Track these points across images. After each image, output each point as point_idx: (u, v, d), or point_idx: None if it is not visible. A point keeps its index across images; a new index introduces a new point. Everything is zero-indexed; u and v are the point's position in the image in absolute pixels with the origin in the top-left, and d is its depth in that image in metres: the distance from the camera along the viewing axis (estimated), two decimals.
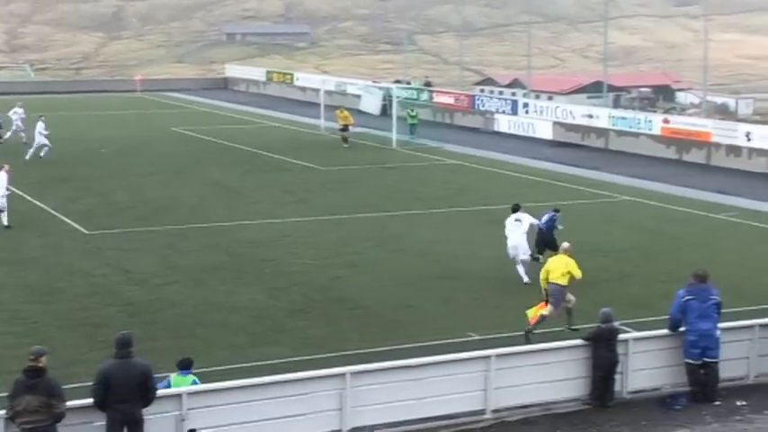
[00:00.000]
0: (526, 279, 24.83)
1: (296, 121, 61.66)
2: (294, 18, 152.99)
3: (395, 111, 53.11)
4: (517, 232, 25.41)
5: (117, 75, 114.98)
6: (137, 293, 24.01)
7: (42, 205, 34.59)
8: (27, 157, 43.73)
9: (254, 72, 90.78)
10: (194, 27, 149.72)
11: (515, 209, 26.06)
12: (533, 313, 20.89)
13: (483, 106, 61.13)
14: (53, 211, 33.52)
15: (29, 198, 35.78)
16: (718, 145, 46.54)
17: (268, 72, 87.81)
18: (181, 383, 15.07)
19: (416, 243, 29.53)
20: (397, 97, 56.38)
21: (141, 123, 59.99)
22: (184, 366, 15.47)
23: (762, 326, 18.14)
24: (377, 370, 15.80)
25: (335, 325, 21.75)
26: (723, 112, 66.68)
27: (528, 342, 19.25)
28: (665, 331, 17.49)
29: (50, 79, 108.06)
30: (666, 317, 17.61)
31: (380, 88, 67.22)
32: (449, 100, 64.33)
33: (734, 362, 17.76)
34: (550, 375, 16.66)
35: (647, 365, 17.33)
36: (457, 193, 37.95)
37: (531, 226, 25.85)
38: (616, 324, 17.19)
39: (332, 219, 32.99)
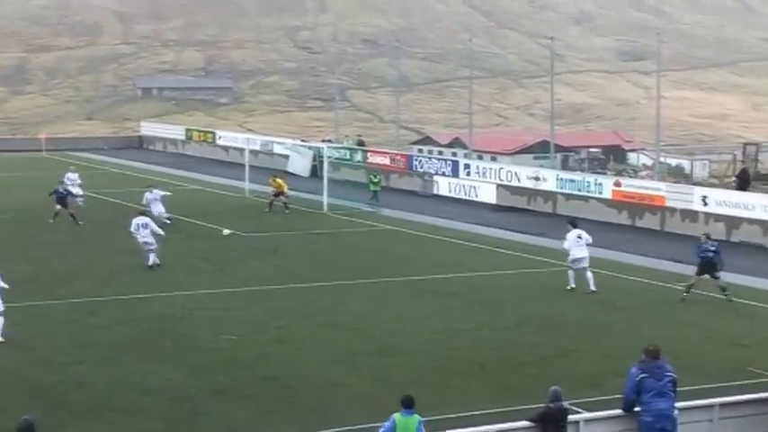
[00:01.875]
0: (593, 288, 31.95)
1: (218, 184, 61.58)
2: (215, 72, 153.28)
3: (326, 172, 53.27)
4: (582, 248, 32.31)
5: (19, 133, 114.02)
6: (40, 374, 23.64)
7: None
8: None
9: (172, 130, 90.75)
10: (106, 81, 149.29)
11: (575, 224, 33.29)
12: None
13: (421, 167, 61.55)
14: None
15: None
16: (672, 210, 47.29)
17: (187, 130, 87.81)
18: (406, 425, 15.71)
19: (348, 316, 29.49)
20: (329, 157, 56.58)
21: (46, 186, 59.40)
22: (408, 405, 15.77)
23: (722, 405, 18.32)
24: None
25: (260, 407, 21.58)
26: (677, 175, 67.67)
27: None
28: (619, 412, 17.59)
29: None
30: (620, 396, 17.73)
31: (310, 148, 67.46)
32: (384, 160, 64.67)
33: None
34: None
35: None
36: (392, 262, 38.03)
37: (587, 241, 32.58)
38: (566, 404, 17.26)
39: (256, 290, 32.85)
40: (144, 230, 36.37)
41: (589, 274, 32.29)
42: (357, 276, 35.21)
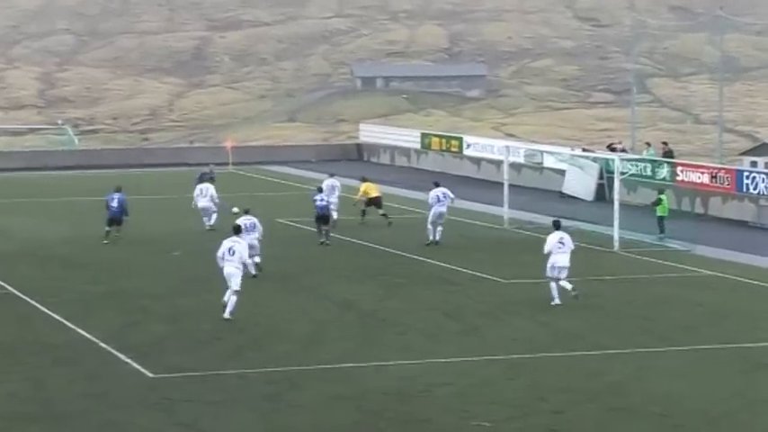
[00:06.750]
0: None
1: (466, 210, 62.05)
2: (463, 54, 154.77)
3: (617, 194, 52.89)
4: (566, 254, 38.11)
5: (198, 139, 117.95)
6: None
7: (86, 334, 35.50)
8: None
9: (403, 135, 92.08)
10: (314, 68, 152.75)
11: (558, 225, 39.05)
12: None
13: (755, 188, 60.57)
14: (102, 344, 34.35)
15: (68, 324, 36.82)
16: None
17: (424, 135, 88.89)
18: None
19: (648, 397, 29.32)
20: (622, 173, 56.14)
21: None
22: None
23: None
24: None
25: None
26: None
27: None
28: None
29: (102, 147, 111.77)
30: None
31: (595, 160, 67.21)
32: (701, 178, 63.98)
33: None
34: None
35: None
36: (710, 322, 37.62)
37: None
38: None
39: (518, 359, 33.02)
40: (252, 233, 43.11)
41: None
42: (660, 342, 34.95)
